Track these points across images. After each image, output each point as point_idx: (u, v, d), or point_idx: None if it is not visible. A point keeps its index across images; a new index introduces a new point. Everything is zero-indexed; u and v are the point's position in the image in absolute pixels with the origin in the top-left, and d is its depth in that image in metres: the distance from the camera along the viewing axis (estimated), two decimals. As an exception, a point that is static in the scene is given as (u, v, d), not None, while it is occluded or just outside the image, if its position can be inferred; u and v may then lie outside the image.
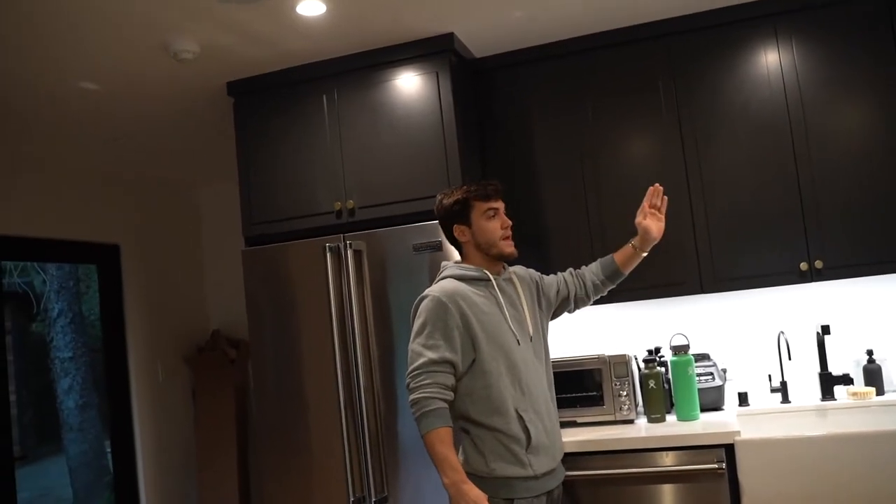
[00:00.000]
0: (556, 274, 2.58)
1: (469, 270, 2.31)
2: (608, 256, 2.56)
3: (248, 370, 4.64)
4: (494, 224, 2.32)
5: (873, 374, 2.88)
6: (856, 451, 2.39)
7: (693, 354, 2.91)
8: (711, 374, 2.94)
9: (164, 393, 4.50)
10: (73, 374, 4.61)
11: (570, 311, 2.60)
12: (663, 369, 2.92)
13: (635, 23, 3.03)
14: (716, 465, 2.48)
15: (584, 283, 2.55)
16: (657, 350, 3.08)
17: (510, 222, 2.35)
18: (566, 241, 3.08)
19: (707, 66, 2.97)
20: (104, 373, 4.32)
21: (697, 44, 2.99)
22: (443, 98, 2.93)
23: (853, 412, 2.81)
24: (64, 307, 4.63)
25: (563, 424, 2.75)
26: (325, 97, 3.08)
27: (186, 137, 3.95)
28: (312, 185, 3.08)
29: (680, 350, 2.83)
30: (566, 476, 2.41)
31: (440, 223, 2.40)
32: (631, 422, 2.86)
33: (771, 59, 2.90)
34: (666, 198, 2.50)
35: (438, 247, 2.83)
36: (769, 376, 3.08)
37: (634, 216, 2.49)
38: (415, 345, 2.20)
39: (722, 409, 2.90)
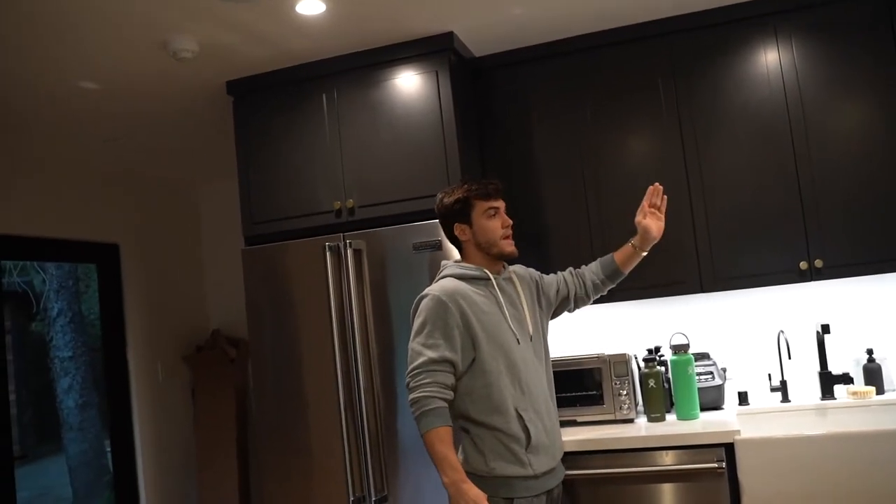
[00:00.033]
0: (555, 273, 2.58)
1: (469, 269, 2.31)
2: (608, 256, 2.56)
3: (247, 369, 4.64)
4: (495, 223, 2.32)
5: (873, 374, 2.88)
6: (856, 450, 2.39)
7: (693, 353, 2.91)
8: (711, 373, 2.94)
9: (163, 392, 4.49)
10: (72, 374, 4.61)
11: (569, 311, 2.60)
12: (663, 368, 2.92)
13: (635, 22, 3.03)
14: (716, 465, 2.48)
15: (583, 282, 2.55)
16: (657, 349, 3.08)
17: (511, 221, 2.35)
18: (566, 240, 3.08)
19: (707, 65, 2.97)
20: (104, 372, 4.32)
21: (697, 43, 2.99)
22: (442, 97, 2.93)
23: (853, 411, 2.81)
24: (63, 306, 4.63)
25: (563, 423, 2.75)
26: (324, 96, 3.08)
27: (186, 136, 3.95)
28: (312, 185, 3.08)
29: (680, 349, 2.83)
30: (566, 475, 2.41)
31: (440, 222, 2.40)
32: (631, 421, 2.86)
33: (771, 59, 2.90)
34: (666, 197, 2.50)
35: (438, 246, 2.83)
36: (769, 375, 3.08)
37: (634, 215, 2.49)
38: (415, 344, 2.20)
39: (722, 409, 2.90)
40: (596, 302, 2.64)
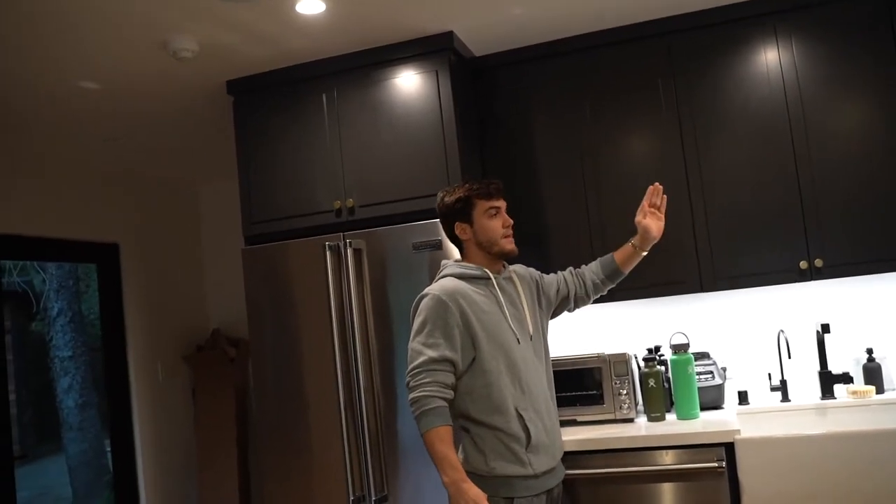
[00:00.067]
0: (555, 273, 2.58)
1: (469, 269, 2.31)
2: (608, 255, 2.56)
3: (248, 369, 4.64)
4: (496, 223, 2.32)
5: (873, 373, 2.88)
6: (855, 449, 2.39)
7: (693, 353, 2.91)
8: (711, 372, 2.94)
9: (163, 392, 4.49)
10: (72, 373, 4.61)
11: (569, 311, 2.60)
12: (663, 368, 2.92)
13: (635, 21, 3.03)
14: (716, 464, 2.48)
15: (583, 282, 2.55)
16: (657, 349, 3.08)
17: (511, 221, 2.35)
18: (566, 240, 3.08)
19: (707, 64, 2.97)
20: (104, 372, 4.32)
21: (697, 42, 2.99)
22: (442, 96, 2.93)
23: (853, 411, 2.81)
24: (63, 306, 4.64)
25: (563, 423, 2.75)
26: (324, 96, 3.08)
27: (186, 136, 3.95)
28: (312, 184, 3.08)
29: (680, 349, 2.83)
30: (566, 475, 2.41)
31: (441, 220, 2.40)
32: (631, 420, 2.86)
33: (770, 58, 2.90)
34: (665, 197, 2.50)
35: (438, 245, 2.83)
36: (769, 375, 3.08)
37: (634, 215, 2.49)
38: (415, 343, 2.20)
39: (722, 408, 2.90)
40: (596, 301, 2.64)
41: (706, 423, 2.66)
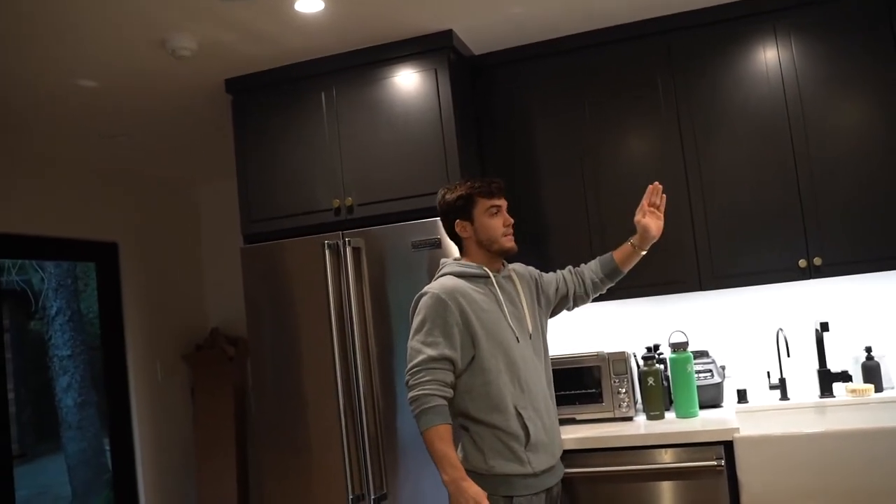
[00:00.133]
0: (555, 272, 2.58)
1: (469, 267, 2.31)
2: (607, 255, 2.56)
3: (246, 368, 4.64)
4: (496, 221, 2.32)
5: (872, 371, 2.88)
6: (854, 447, 2.39)
7: (692, 351, 2.91)
8: (710, 371, 2.94)
9: (162, 391, 4.49)
10: (71, 372, 4.61)
11: (569, 309, 2.60)
12: (662, 366, 2.92)
13: (634, 19, 3.03)
14: (715, 462, 2.48)
15: (583, 281, 2.55)
16: (656, 347, 3.08)
17: (512, 220, 2.35)
18: (566, 239, 3.08)
19: (706, 63, 2.97)
20: (103, 371, 4.32)
21: (696, 41, 2.98)
22: (441, 95, 2.93)
23: (852, 409, 2.81)
24: (62, 305, 4.63)
25: (563, 422, 2.75)
26: (323, 94, 3.08)
27: (185, 135, 3.95)
28: (311, 183, 3.08)
29: (679, 347, 2.83)
30: (565, 473, 2.42)
31: (441, 218, 2.40)
32: (630, 419, 2.86)
33: (770, 57, 2.90)
34: (665, 196, 2.50)
35: (437, 244, 2.83)
36: (768, 373, 3.08)
37: (634, 214, 2.49)
38: (414, 342, 2.20)
39: (721, 406, 2.91)
40: (595, 300, 2.65)
41: (705, 422, 2.66)
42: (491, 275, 2.31)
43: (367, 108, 3.02)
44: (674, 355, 2.82)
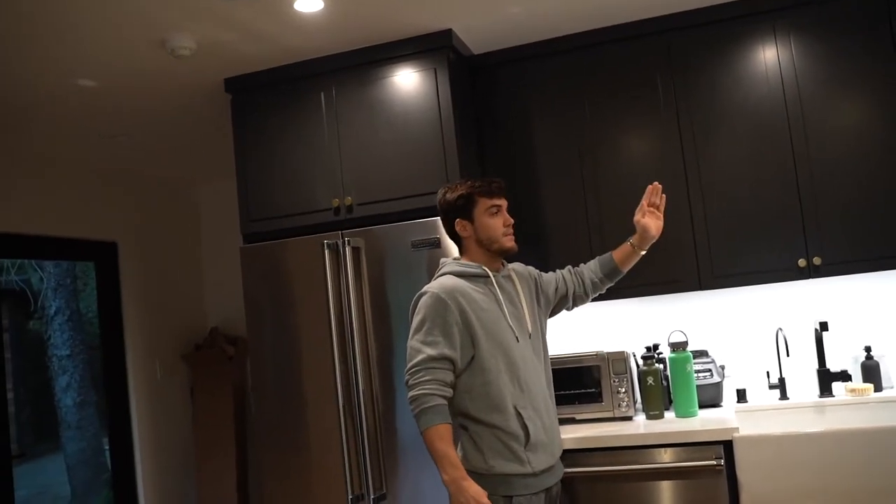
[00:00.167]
0: (554, 271, 2.58)
1: (468, 267, 2.31)
2: (607, 254, 2.56)
3: (246, 367, 4.64)
4: (497, 221, 2.32)
5: (871, 371, 2.88)
6: (854, 447, 2.39)
7: (691, 351, 2.91)
8: (710, 370, 2.94)
9: (162, 391, 4.49)
10: (70, 372, 4.60)
11: (568, 309, 2.60)
12: (662, 366, 2.92)
13: (634, 19, 3.03)
14: (714, 462, 2.48)
15: (582, 280, 2.55)
16: (656, 347, 3.08)
17: (512, 221, 2.35)
18: (565, 239, 3.08)
19: (706, 62, 2.97)
20: (102, 370, 4.32)
21: (696, 40, 2.99)
22: (441, 95, 2.93)
23: (851, 408, 2.81)
24: (61, 305, 4.63)
25: (562, 421, 2.75)
26: (322, 94, 3.08)
27: (185, 135, 3.95)
28: (310, 182, 3.08)
29: (678, 347, 2.83)
30: (565, 473, 2.42)
31: (441, 217, 2.40)
32: (629, 418, 2.86)
33: (769, 56, 2.90)
34: (664, 196, 2.50)
35: (437, 243, 2.83)
36: (767, 373, 3.08)
37: (633, 213, 2.49)
38: (413, 341, 2.20)
39: (720, 406, 2.91)
40: (594, 300, 2.65)
41: (704, 421, 2.66)
42: (491, 274, 2.31)
43: (366, 108, 3.02)
44: (673, 355, 2.82)
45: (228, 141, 3.30)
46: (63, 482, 4.56)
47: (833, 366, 3.04)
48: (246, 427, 4.66)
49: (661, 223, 2.49)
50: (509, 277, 2.38)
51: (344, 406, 2.89)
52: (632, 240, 2.50)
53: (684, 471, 2.53)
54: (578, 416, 2.90)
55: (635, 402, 2.94)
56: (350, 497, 2.85)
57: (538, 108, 3.15)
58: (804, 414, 2.86)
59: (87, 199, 4.16)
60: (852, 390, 2.83)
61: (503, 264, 2.41)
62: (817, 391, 2.94)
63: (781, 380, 2.95)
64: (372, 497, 2.86)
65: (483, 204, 2.31)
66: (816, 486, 2.41)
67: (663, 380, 2.92)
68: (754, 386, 3.14)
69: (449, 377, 2.17)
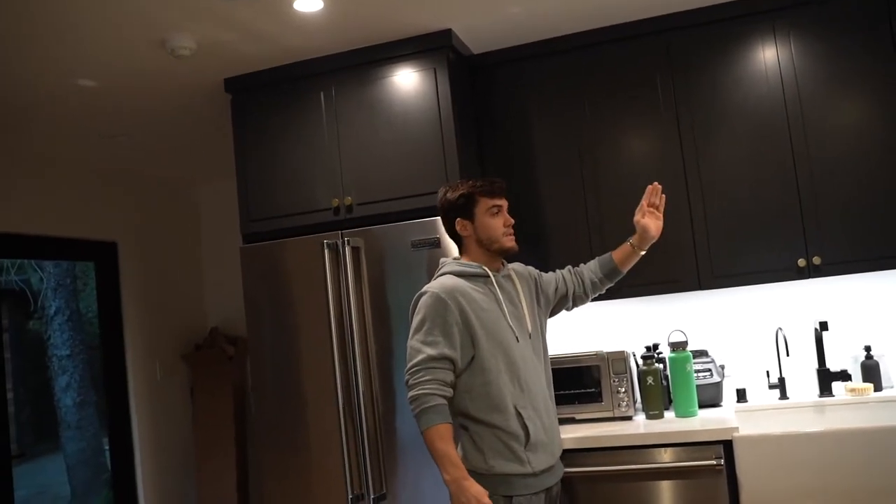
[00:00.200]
0: (554, 272, 2.58)
1: (468, 267, 2.31)
2: (606, 255, 2.56)
3: (246, 367, 4.64)
4: (497, 221, 2.32)
5: (871, 370, 2.88)
6: (854, 447, 2.39)
7: (691, 351, 2.91)
8: (710, 370, 2.94)
9: (162, 390, 4.49)
10: (70, 372, 4.60)
11: (568, 309, 2.60)
12: (661, 366, 2.92)
13: (633, 19, 3.03)
14: (714, 462, 2.48)
15: (582, 280, 2.56)
16: (655, 346, 3.08)
17: (512, 221, 2.36)
18: (565, 239, 3.08)
19: (705, 62, 2.97)
20: (102, 370, 4.32)
21: (695, 40, 2.98)
22: (441, 94, 2.93)
23: (851, 408, 2.81)
24: (61, 305, 4.62)
25: (562, 421, 2.75)
26: (322, 94, 3.08)
27: (185, 135, 3.95)
28: (310, 182, 3.08)
29: (678, 346, 2.83)
30: (565, 473, 2.42)
31: (441, 216, 2.40)
32: (629, 418, 2.86)
33: (769, 56, 2.90)
34: (664, 196, 2.51)
35: (437, 243, 2.83)
36: (767, 373, 3.08)
37: (633, 214, 2.50)
38: (413, 341, 2.20)
39: (720, 406, 2.91)
40: (594, 300, 2.65)
41: (704, 421, 2.66)
42: (491, 274, 2.31)
43: (366, 108, 3.02)
44: (673, 354, 2.82)
45: (228, 141, 3.30)
46: (63, 482, 4.56)
47: (833, 365, 3.04)
48: (246, 427, 4.65)
49: (660, 223, 2.49)
50: (509, 277, 2.38)
51: (344, 406, 2.89)
52: (631, 240, 2.50)
53: (684, 471, 2.53)
54: (578, 416, 2.90)
55: (635, 402, 2.94)
56: (350, 497, 2.85)
57: (537, 108, 3.15)
58: (804, 414, 2.86)
59: (87, 199, 4.16)
60: (852, 390, 2.83)
61: (503, 264, 2.41)
62: (817, 391, 2.94)
63: (781, 379, 2.95)
64: (372, 497, 2.86)
65: (484, 204, 2.31)
66: (816, 485, 2.41)
67: (663, 379, 2.92)
68: (754, 386, 3.14)
69: (449, 377, 2.17)
